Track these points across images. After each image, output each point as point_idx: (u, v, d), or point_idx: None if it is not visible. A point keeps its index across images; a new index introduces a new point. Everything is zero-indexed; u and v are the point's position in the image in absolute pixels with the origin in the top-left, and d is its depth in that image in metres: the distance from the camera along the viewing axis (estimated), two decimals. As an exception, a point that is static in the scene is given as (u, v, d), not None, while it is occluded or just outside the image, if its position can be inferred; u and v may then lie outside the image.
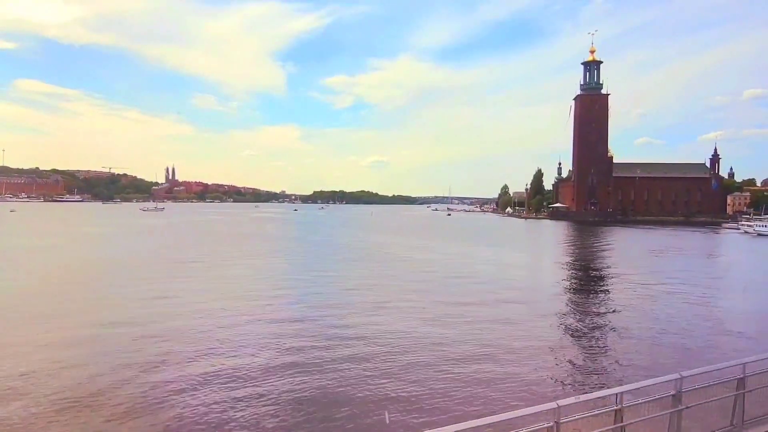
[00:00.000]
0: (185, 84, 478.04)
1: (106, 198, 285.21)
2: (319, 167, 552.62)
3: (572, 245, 60.23)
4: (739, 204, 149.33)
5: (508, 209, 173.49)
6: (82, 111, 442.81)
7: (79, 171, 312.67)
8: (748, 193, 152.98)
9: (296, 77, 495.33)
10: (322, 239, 61.52)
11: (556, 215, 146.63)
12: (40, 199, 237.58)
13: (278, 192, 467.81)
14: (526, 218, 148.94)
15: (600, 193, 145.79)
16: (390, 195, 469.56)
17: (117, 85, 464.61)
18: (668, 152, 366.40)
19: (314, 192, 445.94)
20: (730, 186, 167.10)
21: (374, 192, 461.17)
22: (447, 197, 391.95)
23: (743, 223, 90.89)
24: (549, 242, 66.17)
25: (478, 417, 4.45)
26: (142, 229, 73.62)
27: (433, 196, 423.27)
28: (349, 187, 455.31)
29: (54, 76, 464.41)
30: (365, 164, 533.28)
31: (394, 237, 67.07)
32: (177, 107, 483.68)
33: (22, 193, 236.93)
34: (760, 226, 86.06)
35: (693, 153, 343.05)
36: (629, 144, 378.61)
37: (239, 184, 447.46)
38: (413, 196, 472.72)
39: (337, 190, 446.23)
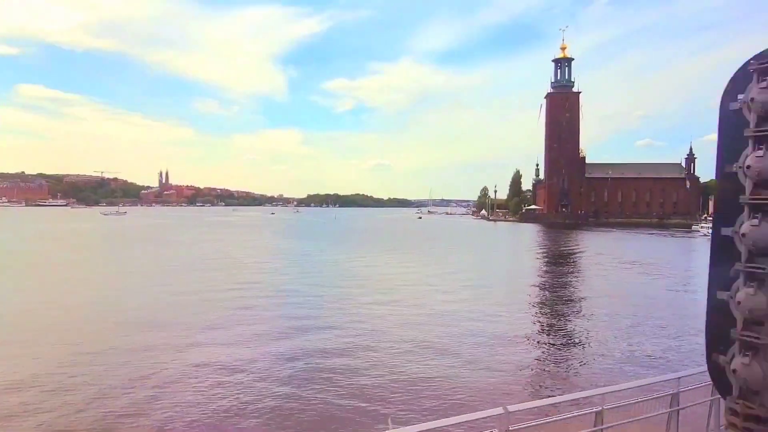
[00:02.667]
0: (187, 88, 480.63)
1: (92, 202, 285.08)
2: (320, 171, 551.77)
3: (504, 249, 55.45)
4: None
5: (483, 212, 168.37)
6: (84, 116, 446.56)
7: (68, 175, 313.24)
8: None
9: (297, 81, 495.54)
10: (224, 247, 57.41)
11: (526, 218, 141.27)
12: (21, 203, 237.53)
13: (275, 196, 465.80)
14: (495, 221, 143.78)
15: (572, 195, 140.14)
16: (386, 198, 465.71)
17: (119, 90, 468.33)
18: (670, 154, 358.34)
19: (308, 195, 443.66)
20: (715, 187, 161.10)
21: (369, 195, 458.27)
22: (445, 200, 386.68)
23: (703, 225, 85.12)
24: (484, 249, 61.09)
25: None
26: (50, 235, 70.18)
27: (431, 198, 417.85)
28: (351, 191, 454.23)
29: (56, 81, 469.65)
30: (367, 168, 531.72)
31: (313, 242, 62.97)
32: (179, 111, 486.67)
33: (3, 198, 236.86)
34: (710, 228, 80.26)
35: (695, 155, 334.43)
36: (630, 146, 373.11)
37: (239, 188, 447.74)
38: (409, 199, 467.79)
39: (332, 193, 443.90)
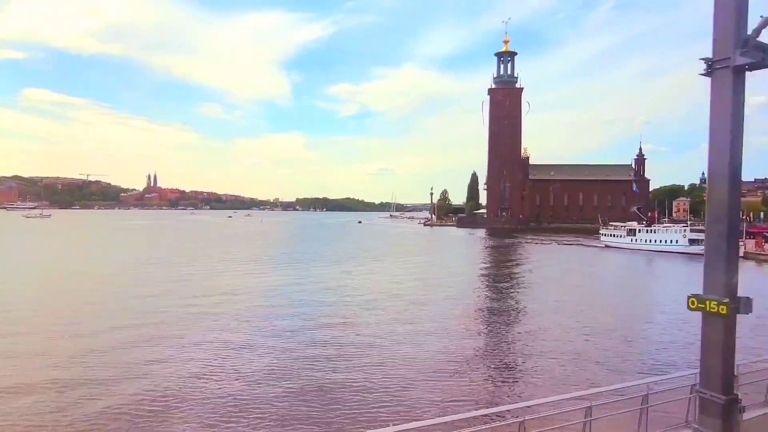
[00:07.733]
0: (191, 93, 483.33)
1: (66, 205, 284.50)
2: (323, 175, 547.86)
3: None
4: (684, 210, 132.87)
5: (432, 216, 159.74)
6: (88, 119, 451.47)
7: (47, 177, 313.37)
8: (689, 199, 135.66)
9: (301, 86, 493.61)
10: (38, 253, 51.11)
11: (462, 223, 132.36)
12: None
13: (269, 200, 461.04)
14: (431, 226, 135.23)
15: (513, 198, 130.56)
16: (377, 202, 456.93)
17: (124, 94, 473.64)
18: (672, 160, 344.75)
19: (297, 199, 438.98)
20: (679, 191, 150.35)
21: (359, 199, 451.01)
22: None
23: (605, 231, 75.06)
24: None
25: None
26: None
27: (425, 203, 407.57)
28: (354, 195, 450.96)
29: (62, 85, 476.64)
30: (370, 172, 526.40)
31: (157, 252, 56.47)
32: (183, 116, 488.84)
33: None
34: (609, 236, 70.92)
35: (697, 160, 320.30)
36: (634, 151, 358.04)
37: (228, 192, 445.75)
38: (402, 203, 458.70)
39: (321, 197, 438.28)
